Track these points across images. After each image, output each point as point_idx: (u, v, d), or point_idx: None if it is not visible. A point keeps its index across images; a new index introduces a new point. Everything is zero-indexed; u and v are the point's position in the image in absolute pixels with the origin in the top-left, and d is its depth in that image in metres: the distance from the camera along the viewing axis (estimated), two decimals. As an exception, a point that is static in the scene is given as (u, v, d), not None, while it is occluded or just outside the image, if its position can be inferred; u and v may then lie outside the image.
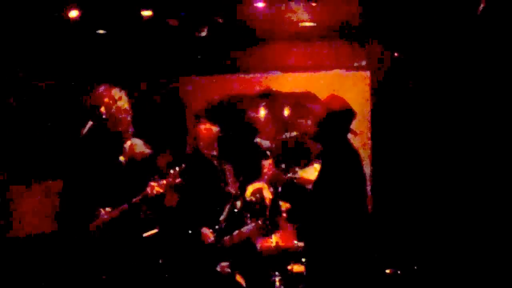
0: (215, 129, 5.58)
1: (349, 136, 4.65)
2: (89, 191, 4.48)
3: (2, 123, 6.02)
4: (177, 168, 4.65)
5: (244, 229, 5.28)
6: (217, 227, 5.23)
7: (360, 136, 6.76)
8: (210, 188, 5.45)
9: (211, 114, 5.79)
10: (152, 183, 4.54)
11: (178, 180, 4.63)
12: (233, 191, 5.40)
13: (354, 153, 4.63)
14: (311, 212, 4.68)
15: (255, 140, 5.98)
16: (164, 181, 4.57)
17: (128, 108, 4.53)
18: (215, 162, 5.60)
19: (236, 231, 5.25)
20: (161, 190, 4.54)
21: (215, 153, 5.63)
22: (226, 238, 5.21)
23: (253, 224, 5.29)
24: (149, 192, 4.51)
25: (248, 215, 5.36)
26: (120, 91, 4.59)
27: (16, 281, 5.66)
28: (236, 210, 5.31)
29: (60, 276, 4.93)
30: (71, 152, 4.62)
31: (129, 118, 4.54)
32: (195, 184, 5.37)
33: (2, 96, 6.07)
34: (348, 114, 4.65)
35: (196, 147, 5.65)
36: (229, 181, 5.58)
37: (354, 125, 4.68)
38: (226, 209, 5.23)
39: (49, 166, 6.03)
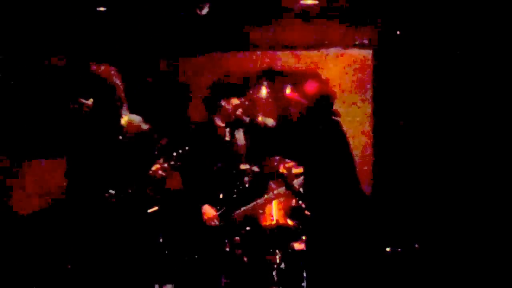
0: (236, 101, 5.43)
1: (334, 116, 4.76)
2: (93, 169, 4.51)
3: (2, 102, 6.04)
4: (180, 151, 4.67)
5: (251, 204, 5.28)
6: (223, 202, 5.25)
7: (361, 115, 6.90)
8: (217, 165, 5.43)
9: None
10: (155, 167, 4.58)
11: (179, 163, 4.67)
12: (242, 167, 5.39)
13: (340, 132, 4.72)
14: (309, 191, 4.72)
15: (259, 119, 5.94)
16: (167, 165, 4.61)
17: (121, 87, 4.58)
18: (227, 137, 5.51)
19: (244, 207, 5.24)
20: (164, 174, 4.59)
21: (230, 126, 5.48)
22: (237, 212, 5.22)
23: (257, 200, 5.30)
24: (153, 174, 4.55)
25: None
26: (116, 70, 4.61)
27: (16, 260, 5.68)
28: (244, 187, 5.31)
29: (59, 255, 4.95)
30: (71, 131, 4.64)
31: (123, 95, 4.58)
32: (201, 160, 5.35)
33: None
34: (328, 96, 4.74)
35: (208, 121, 5.54)
36: (240, 156, 5.53)
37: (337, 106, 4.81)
38: (233, 186, 5.25)
39: (49, 144, 6.04)
